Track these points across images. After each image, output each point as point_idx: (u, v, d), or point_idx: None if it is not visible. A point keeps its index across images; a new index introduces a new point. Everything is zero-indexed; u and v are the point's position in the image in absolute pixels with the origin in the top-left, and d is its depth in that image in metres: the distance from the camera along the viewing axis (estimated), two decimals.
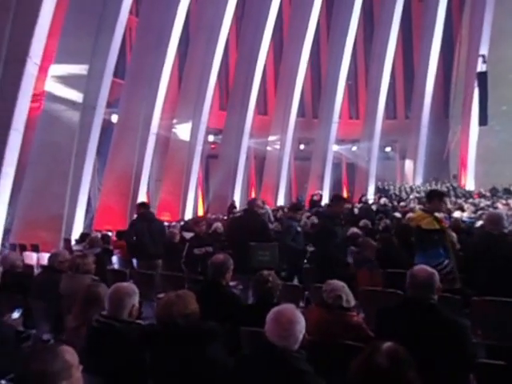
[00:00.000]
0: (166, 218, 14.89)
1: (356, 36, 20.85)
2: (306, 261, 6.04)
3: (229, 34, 16.74)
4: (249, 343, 2.98)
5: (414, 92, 22.85)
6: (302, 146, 21.83)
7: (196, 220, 6.44)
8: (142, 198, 13.01)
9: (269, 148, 20.28)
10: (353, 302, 3.07)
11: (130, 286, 2.71)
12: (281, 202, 19.00)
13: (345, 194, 22.72)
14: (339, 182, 23.06)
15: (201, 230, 5.54)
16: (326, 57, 22.20)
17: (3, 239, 7.71)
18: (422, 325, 2.53)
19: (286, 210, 11.73)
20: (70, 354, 1.69)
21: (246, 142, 18.16)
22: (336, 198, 5.59)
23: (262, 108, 22.39)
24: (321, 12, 19.57)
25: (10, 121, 6.87)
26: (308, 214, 10.36)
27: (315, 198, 15.33)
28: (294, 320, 2.18)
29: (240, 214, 7.62)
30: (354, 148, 22.21)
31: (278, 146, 19.99)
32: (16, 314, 3.40)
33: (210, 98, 16.30)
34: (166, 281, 5.66)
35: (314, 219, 8.74)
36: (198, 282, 4.16)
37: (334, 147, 21.41)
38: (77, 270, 3.77)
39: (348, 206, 10.16)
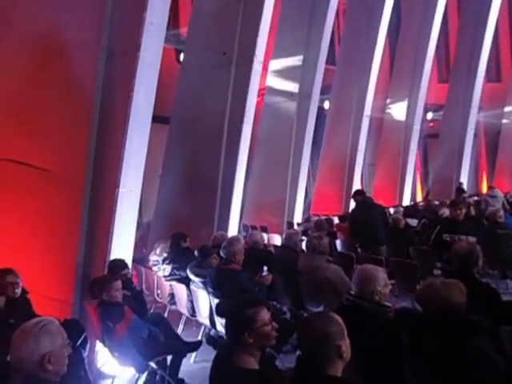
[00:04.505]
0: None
1: None
2: None
3: None
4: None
5: None
6: None
7: (454, 202, 5.84)
8: (356, 183, 12.95)
9: (504, 121, 17.39)
10: None
11: (376, 268, 2.66)
12: None
13: None
14: None
15: (457, 214, 5.00)
16: None
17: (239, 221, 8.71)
18: None
19: None
20: (341, 321, 1.89)
21: (473, 115, 15.73)
22: None
23: (494, 74, 19.20)
24: None
25: (243, 115, 7.65)
26: None
27: None
28: None
29: None
30: None
31: None
32: None
33: (429, 72, 14.91)
34: (394, 267, 5.45)
35: None
36: (445, 271, 3.75)
37: None
38: (313, 251, 3.93)
39: None
